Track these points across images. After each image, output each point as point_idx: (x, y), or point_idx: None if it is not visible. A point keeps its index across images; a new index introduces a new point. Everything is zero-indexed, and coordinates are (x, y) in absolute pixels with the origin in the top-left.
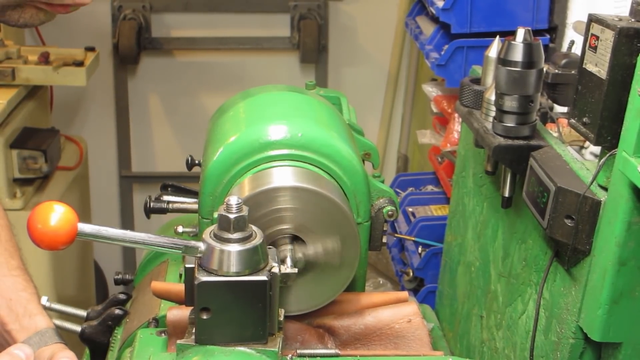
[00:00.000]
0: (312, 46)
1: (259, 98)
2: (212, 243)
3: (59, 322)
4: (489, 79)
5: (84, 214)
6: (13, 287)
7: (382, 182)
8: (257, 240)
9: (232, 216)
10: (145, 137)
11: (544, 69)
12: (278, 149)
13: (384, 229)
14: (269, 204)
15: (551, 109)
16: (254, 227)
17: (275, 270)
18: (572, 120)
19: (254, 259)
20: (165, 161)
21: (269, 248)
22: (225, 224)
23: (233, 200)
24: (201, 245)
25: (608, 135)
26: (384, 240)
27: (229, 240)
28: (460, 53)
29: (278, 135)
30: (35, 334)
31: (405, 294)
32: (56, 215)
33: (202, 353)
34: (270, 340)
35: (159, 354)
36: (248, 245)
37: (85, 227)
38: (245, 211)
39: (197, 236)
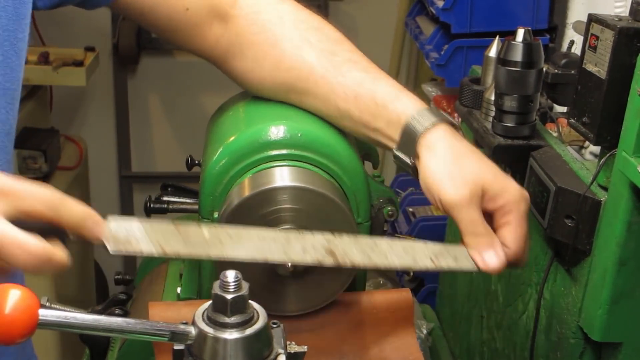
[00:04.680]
0: None
1: (259, 98)
2: (204, 328)
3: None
4: (489, 79)
5: None
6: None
7: (382, 182)
8: (260, 323)
9: (229, 296)
10: (145, 137)
11: (544, 69)
12: (278, 149)
13: (384, 229)
14: (269, 204)
15: (551, 108)
16: (255, 306)
17: (282, 358)
18: (572, 120)
19: (255, 348)
20: (165, 161)
21: (275, 326)
22: (220, 306)
23: (230, 276)
24: (191, 331)
25: (608, 135)
26: None
27: (225, 326)
28: (460, 53)
29: (278, 135)
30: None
31: (407, 290)
32: (11, 301)
33: None
34: None
35: None
36: (249, 331)
37: (48, 314)
38: (245, 289)
39: None
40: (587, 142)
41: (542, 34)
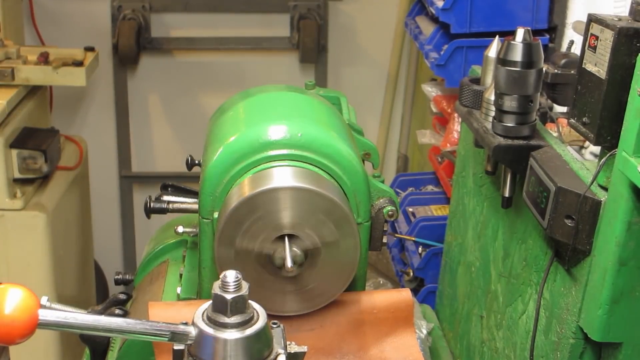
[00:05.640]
0: (312, 46)
1: (259, 98)
2: (204, 328)
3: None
4: (489, 79)
5: (84, 215)
6: None
7: (382, 182)
8: (260, 323)
9: (229, 296)
10: (145, 137)
11: (544, 69)
12: (278, 149)
13: (384, 229)
14: (269, 204)
15: (551, 109)
16: (255, 306)
17: (282, 358)
18: (572, 120)
19: (255, 348)
20: (165, 161)
21: (275, 326)
22: (220, 306)
23: (230, 276)
24: (191, 331)
25: (608, 135)
26: (384, 240)
27: (225, 326)
28: (459, 53)
29: (278, 135)
30: None
31: (407, 290)
32: (11, 301)
33: None
34: None
35: None
36: (249, 331)
37: (48, 314)
38: (245, 289)
39: (197, 236)
40: (587, 142)
41: (542, 34)
